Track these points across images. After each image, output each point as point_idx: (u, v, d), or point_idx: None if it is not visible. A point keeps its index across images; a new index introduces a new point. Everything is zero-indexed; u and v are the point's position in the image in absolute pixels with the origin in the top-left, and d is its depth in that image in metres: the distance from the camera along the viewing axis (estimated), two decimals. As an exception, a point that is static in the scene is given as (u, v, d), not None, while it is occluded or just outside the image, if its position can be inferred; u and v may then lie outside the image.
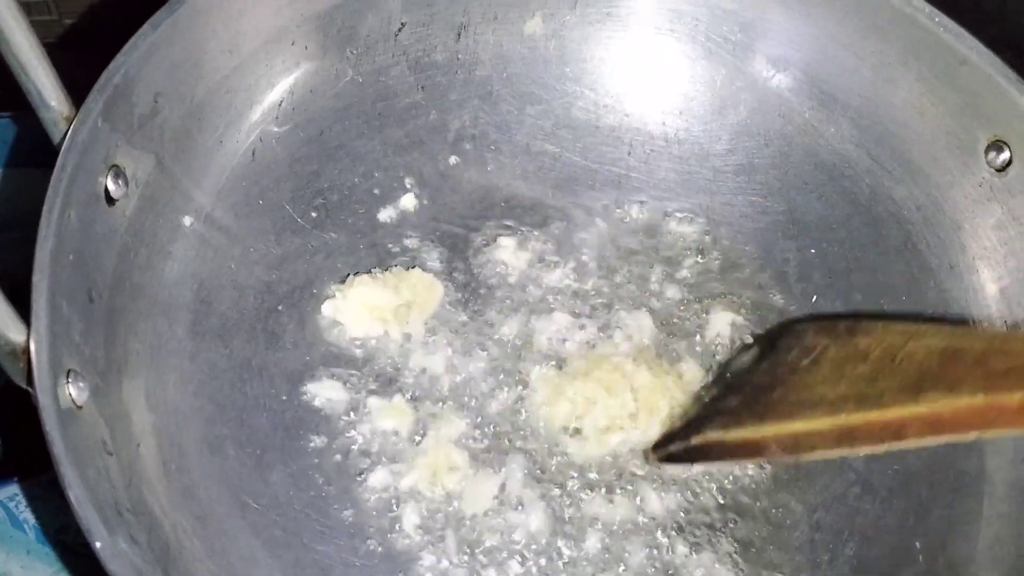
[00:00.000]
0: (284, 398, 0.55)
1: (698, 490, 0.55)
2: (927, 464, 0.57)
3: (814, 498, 0.56)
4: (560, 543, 0.53)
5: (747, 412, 0.52)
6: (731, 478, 0.56)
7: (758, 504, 0.55)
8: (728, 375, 0.57)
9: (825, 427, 0.48)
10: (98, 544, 0.39)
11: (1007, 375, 0.44)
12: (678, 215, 0.64)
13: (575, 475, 0.55)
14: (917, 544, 0.55)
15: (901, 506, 0.56)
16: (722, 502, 0.55)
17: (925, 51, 0.61)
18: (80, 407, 0.45)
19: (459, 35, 0.65)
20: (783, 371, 0.53)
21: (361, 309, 0.57)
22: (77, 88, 0.51)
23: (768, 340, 0.58)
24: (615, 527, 0.53)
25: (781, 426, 0.50)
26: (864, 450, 0.50)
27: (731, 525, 0.54)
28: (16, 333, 0.43)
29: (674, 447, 0.53)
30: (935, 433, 0.45)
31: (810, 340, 0.54)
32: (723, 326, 0.60)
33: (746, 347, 0.59)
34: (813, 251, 0.63)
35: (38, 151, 0.51)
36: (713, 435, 0.52)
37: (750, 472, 0.56)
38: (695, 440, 0.52)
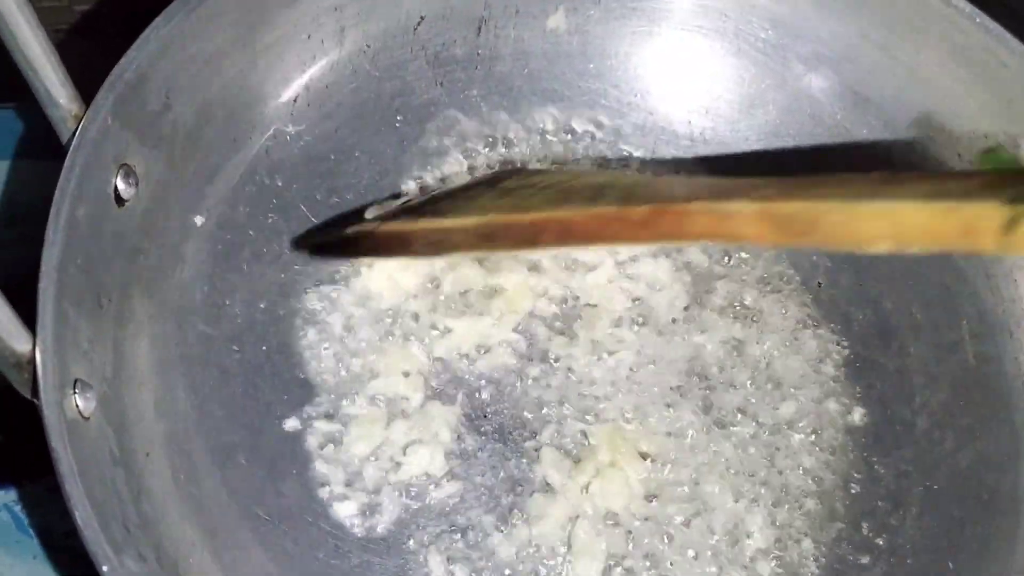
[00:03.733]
0: (297, 404, 0.54)
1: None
2: (959, 482, 0.56)
3: (840, 515, 0.55)
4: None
5: (406, 214, 0.54)
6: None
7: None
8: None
9: (469, 225, 0.49)
10: (104, 568, 0.38)
11: (640, 198, 0.45)
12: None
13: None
14: (950, 564, 0.53)
15: (933, 524, 0.55)
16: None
17: (964, 53, 0.59)
18: (87, 418, 0.44)
19: (479, 29, 0.64)
20: (460, 190, 0.56)
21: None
22: (87, 79, 0.49)
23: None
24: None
25: (430, 222, 0.51)
26: (506, 251, 0.53)
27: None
28: (21, 343, 0.41)
29: (326, 237, 0.55)
30: (566, 240, 0.47)
31: (500, 172, 0.57)
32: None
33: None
34: (842, 257, 0.62)
35: (47, 142, 0.50)
36: (365, 227, 0.53)
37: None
38: (348, 231, 0.53)
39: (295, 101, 0.60)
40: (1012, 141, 0.58)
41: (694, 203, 0.42)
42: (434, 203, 0.54)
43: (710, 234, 0.43)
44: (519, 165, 0.61)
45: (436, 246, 0.50)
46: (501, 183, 0.54)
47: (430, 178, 0.61)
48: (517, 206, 0.49)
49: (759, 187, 0.43)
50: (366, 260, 0.57)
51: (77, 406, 0.43)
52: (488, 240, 0.48)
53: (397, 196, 0.59)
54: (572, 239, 0.46)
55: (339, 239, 0.54)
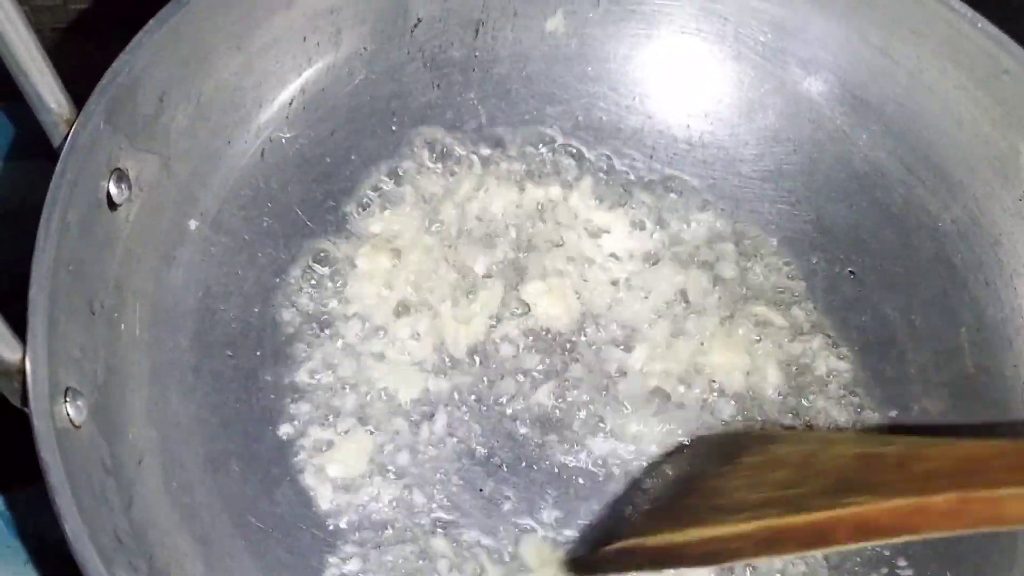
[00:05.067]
0: (292, 411, 0.53)
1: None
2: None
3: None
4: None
5: (664, 518, 0.50)
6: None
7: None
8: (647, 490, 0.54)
9: (748, 531, 0.46)
10: (94, 582, 0.37)
11: (928, 478, 0.43)
12: (702, 222, 0.62)
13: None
14: (948, 574, 0.53)
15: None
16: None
17: (965, 57, 0.58)
18: (78, 426, 0.43)
19: (477, 32, 0.63)
20: (698, 480, 0.51)
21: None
22: (84, 78, 0.48)
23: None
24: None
25: (701, 531, 0.47)
26: (791, 555, 0.49)
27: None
28: (10, 351, 0.41)
29: (588, 558, 0.51)
30: (864, 537, 0.44)
31: (727, 450, 0.53)
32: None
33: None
34: (842, 262, 0.61)
35: (40, 142, 0.49)
36: (630, 542, 0.49)
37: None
38: (610, 548, 0.50)
39: (290, 104, 0.59)
40: (1012, 148, 0.58)
41: (1005, 489, 0.40)
42: (683, 501, 0.51)
43: None
44: (747, 429, 0.56)
45: (713, 556, 0.47)
46: (740, 460, 0.51)
47: (426, 182, 0.61)
48: (789, 502, 0.46)
49: None
50: (369, 270, 0.57)
51: (68, 415, 0.43)
52: (770, 545, 0.45)
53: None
54: (870, 535, 0.44)
55: (602, 556, 0.50)
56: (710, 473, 0.51)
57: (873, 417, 0.57)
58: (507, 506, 0.53)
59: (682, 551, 0.47)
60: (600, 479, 0.54)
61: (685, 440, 0.55)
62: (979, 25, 0.57)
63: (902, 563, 0.53)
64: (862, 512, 0.43)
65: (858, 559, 0.54)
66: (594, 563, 0.50)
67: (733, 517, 0.47)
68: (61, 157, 0.46)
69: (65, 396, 0.43)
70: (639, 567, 0.50)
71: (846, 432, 0.55)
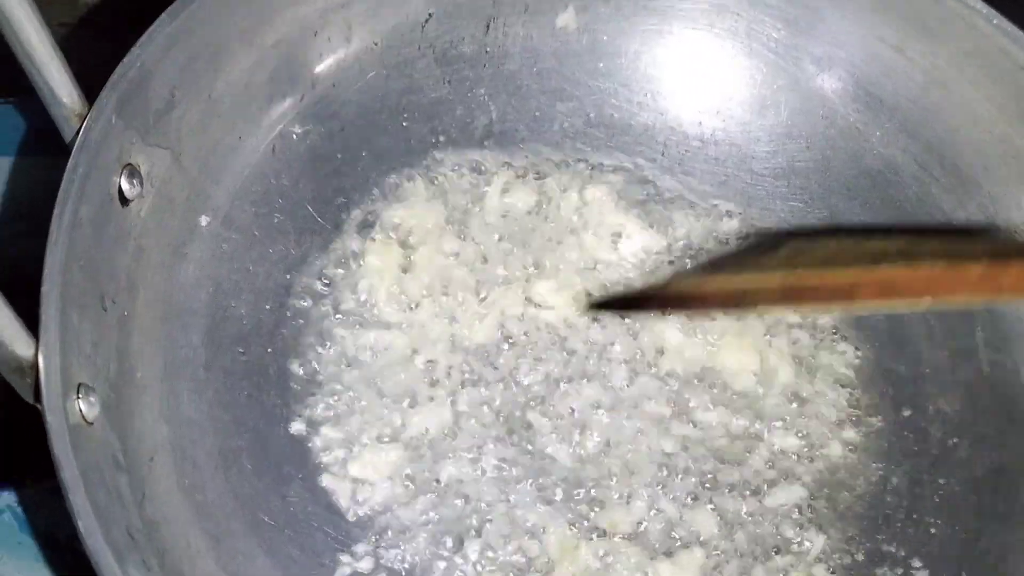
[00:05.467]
0: (304, 408, 0.53)
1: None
2: (974, 491, 0.55)
3: (855, 523, 0.54)
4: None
5: (693, 274, 0.53)
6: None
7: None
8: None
9: (771, 283, 0.47)
10: (108, 578, 0.37)
11: (967, 254, 0.44)
12: (713, 220, 0.62)
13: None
14: (964, 575, 0.53)
15: (947, 534, 0.54)
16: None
17: (981, 55, 0.58)
18: (91, 423, 0.43)
19: (488, 27, 0.63)
20: (740, 255, 0.54)
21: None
22: (94, 73, 0.48)
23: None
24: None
25: (726, 280, 0.49)
26: (810, 307, 0.51)
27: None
28: (24, 348, 0.41)
29: (615, 294, 0.53)
30: (890, 294, 0.44)
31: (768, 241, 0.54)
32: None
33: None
34: (855, 261, 0.61)
35: (52, 138, 0.49)
36: (654, 287, 0.52)
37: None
38: (641, 289, 0.52)
39: (301, 99, 0.59)
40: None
41: None
42: (721, 264, 0.53)
43: None
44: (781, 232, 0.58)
45: (734, 302, 0.48)
46: (784, 244, 0.52)
47: (438, 178, 0.61)
48: (821, 265, 0.47)
49: None
50: (381, 266, 0.57)
51: (80, 411, 0.42)
52: (795, 296, 0.46)
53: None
54: (894, 294, 0.44)
55: (631, 295, 0.52)
56: (751, 253, 0.54)
57: (888, 416, 0.57)
58: (525, 508, 0.52)
59: (702, 296, 0.49)
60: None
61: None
62: (995, 22, 0.57)
63: (917, 564, 0.53)
64: (891, 272, 0.44)
65: (870, 559, 0.53)
66: (613, 301, 0.52)
67: (760, 271, 0.48)
68: (73, 152, 0.46)
69: (78, 392, 0.43)
70: (664, 306, 0.51)
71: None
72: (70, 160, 0.45)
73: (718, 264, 0.53)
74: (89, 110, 0.47)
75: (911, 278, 0.43)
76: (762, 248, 0.54)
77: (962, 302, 0.44)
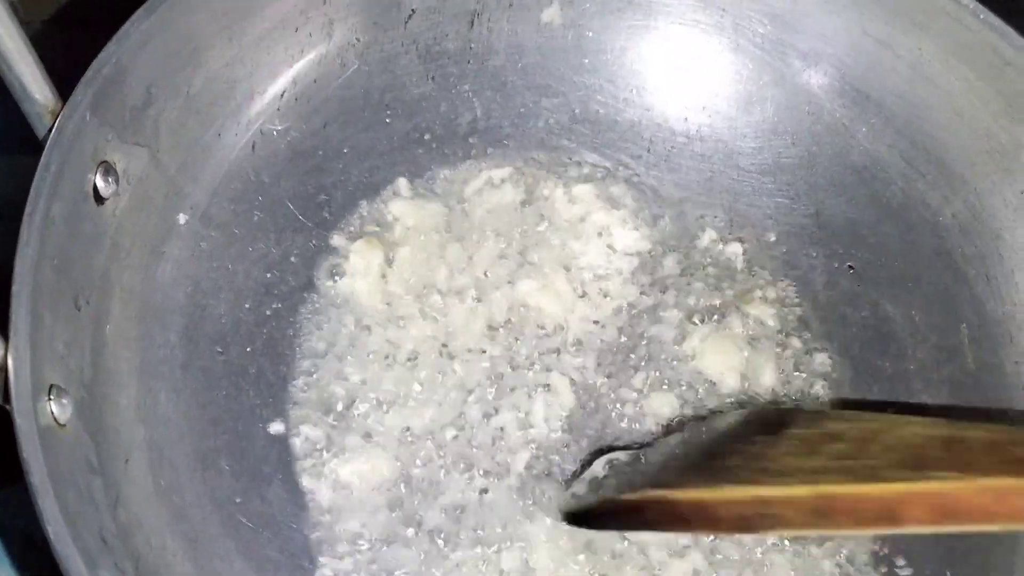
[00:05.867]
0: (283, 408, 0.53)
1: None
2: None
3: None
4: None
5: (694, 473, 0.42)
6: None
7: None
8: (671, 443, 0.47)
9: (802, 495, 0.38)
10: (78, 584, 0.36)
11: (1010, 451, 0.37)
12: (699, 216, 0.61)
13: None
14: (948, 573, 0.52)
15: (930, 533, 0.53)
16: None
17: (967, 50, 0.57)
18: (63, 425, 0.42)
19: (472, 23, 0.62)
20: (739, 441, 0.44)
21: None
22: (70, 69, 0.48)
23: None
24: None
25: (744, 489, 0.39)
26: (846, 532, 0.42)
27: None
28: (-8, 349, 0.40)
29: (591, 508, 0.43)
30: (946, 519, 0.36)
31: (771, 418, 0.46)
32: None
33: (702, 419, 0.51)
34: (841, 257, 0.61)
35: (26, 136, 0.48)
36: (649, 493, 0.41)
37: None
38: (627, 496, 0.42)
39: (282, 96, 0.58)
40: (1014, 141, 0.57)
41: None
42: (720, 461, 0.42)
43: None
44: (793, 405, 0.49)
45: (755, 522, 0.39)
46: (788, 430, 0.43)
47: (421, 176, 0.60)
48: (853, 471, 0.38)
49: None
50: (363, 265, 0.56)
51: (52, 413, 0.42)
52: (826, 516, 0.37)
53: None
54: (953, 518, 0.36)
55: (614, 504, 0.42)
56: (751, 439, 0.44)
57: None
58: (508, 508, 0.52)
59: (715, 511, 0.39)
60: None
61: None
62: (981, 16, 0.56)
63: (901, 562, 0.53)
64: (947, 488, 0.36)
65: (854, 558, 0.53)
66: (598, 514, 0.43)
67: (783, 480, 0.39)
68: (46, 149, 0.45)
69: (49, 394, 0.42)
70: (660, 525, 0.42)
71: (915, 417, 0.48)
72: (43, 158, 0.45)
73: (715, 457, 0.43)
74: (63, 107, 0.46)
75: (971, 497, 0.36)
76: (764, 425, 0.44)
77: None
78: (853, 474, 0.38)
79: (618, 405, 0.55)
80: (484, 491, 0.52)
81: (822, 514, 0.38)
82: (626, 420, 0.55)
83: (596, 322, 0.58)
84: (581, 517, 0.43)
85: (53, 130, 0.46)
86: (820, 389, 0.57)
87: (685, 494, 0.40)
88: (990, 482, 0.36)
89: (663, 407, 0.55)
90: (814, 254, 0.61)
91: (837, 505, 0.37)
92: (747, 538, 0.49)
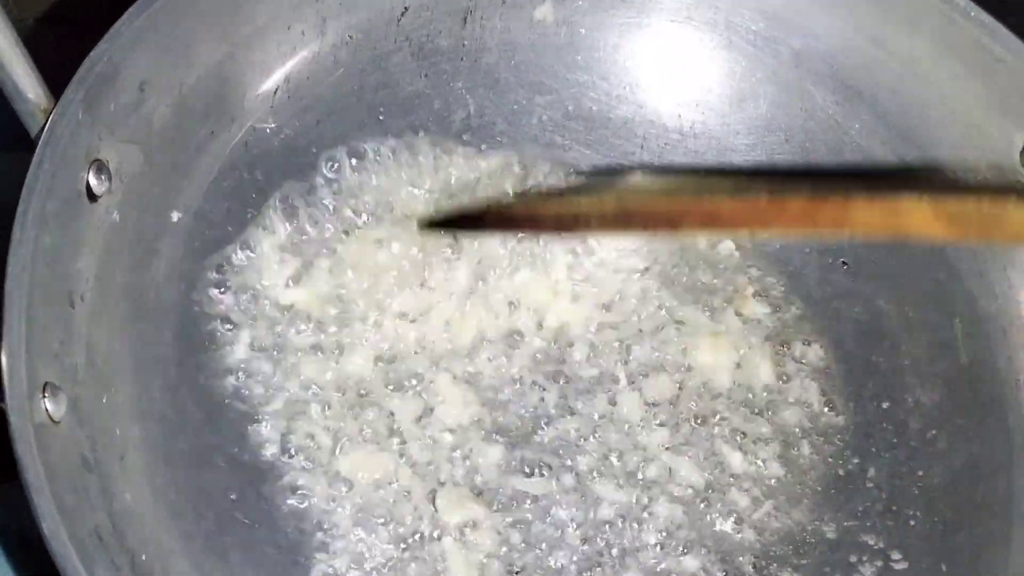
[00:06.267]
0: (278, 404, 0.53)
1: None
2: (952, 484, 0.55)
3: (832, 515, 0.54)
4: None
5: (536, 197, 0.54)
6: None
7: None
8: None
9: (607, 206, 0.48)
10: (74, 583, 0.36)
11: (790, 191, 0.45)
12: (693, 213, 0.62)
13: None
14: (943, 567, 0.53)
15: (926, 527, 0.54)
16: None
17: (958, 46, 0.57)
18: (57, 422, 0.42)
19: (465, 20, 0.62)
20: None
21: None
22: (63, 67, 0.47)
23: None
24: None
25: (563, 203, 0.50)
26: (638, 232, 0.53)
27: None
28: (-15, 346, 0.40)
29: (456, 212, 0.54)
30: (711, 224, 0.47)
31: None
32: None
33: None
34: (835, 253, 0.61)
35: (19, 133, 0.48)
36: (493, 206, 0.53)
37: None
38: (479, 206, 0.53)
39: (275, 93, 0.58)
40: (1006, 137, 0.57)
41: (858, 196, 0.43)
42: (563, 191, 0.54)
43: (874, 225, 0.43)
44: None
45: (568, 224, 0.49)
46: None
47: (413, 173, 0.60)
48: (658, 193, 0.50)
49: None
50: (357, 262, 0.56)
51: (46, 410, 0.42)
52: (624, 222, 0.48)
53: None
54: (718, 224, 0.47)
55: (470, 213, 0.53)
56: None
57: (866, 408, 0.57)
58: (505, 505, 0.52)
59: (541, 214, 0.50)
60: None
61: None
62: (972, 14, 0.56)
63: (896, 556, 0.53)
64: (714, 202, 0.46)
65: (849, 552, 0.53)
66: (460, 219, 0.53)
67: (599, 197, 0.49)
68: (38, 148, 0.45)
69: (44, 391, 0.42)
70: (500, 225, 0.53)
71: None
72: (35, 156, 0.44)
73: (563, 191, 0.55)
74: (55, 105, 0.46)
75: (733, 209, 0.45)
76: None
77: (785, 233, 0.47)
78: (652, 195, 0.50)
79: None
80: (483, 484, 0.52)
81: (622, 219, 0.48)
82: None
83: (587, 318, 0.58)
84: (439, 222, 0.55)
85: (45, 128, 0.45)
86: (814, 385, 0.57)
87: (515, 207, 0.53)
88: (749, 200, 0.45)
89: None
90: (807, 250, 0.61)
91: (631, 214, 0.47)
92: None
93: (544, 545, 0.52)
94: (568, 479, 0.53)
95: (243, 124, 0.57)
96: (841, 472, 0.55)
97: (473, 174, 0.60)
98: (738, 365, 0.57)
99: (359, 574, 0.50)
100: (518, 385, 0.56)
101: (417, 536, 0.51)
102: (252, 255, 0.55)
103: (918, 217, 0.43)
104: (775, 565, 0.53)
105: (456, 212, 0.54)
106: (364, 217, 0.58)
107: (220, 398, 0.52)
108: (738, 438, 0.56)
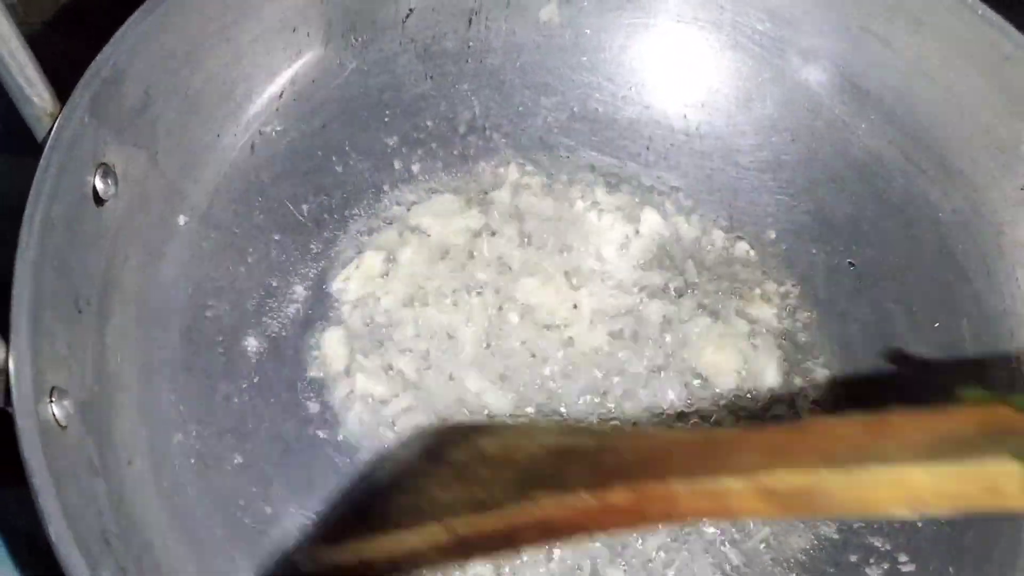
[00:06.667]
0: (285, 409, 0.53)
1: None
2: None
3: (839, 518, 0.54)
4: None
5: (365, 524, 0.47)
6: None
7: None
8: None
9: (438, 539, 0.43)
10: (80, 585, 0.36)
11: (613, 472, 0.41)
12: (699, 214, 0.61)
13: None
14: (951, 570, 0.52)
15: (933, 529, 0.53)
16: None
17: (966, 45, 0.57)
18: (64, 427, 0.42)
19: (470, 22, 0.62)
20: (409, 479, 0.49)
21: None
22: (68, 72, 0.47)
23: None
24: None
25: (391, 540, 0.44)
26: (479, 560, 0.46)
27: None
28: (-7, 351, 0.40)
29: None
30: (548, 536, 0.42)
31: (438, 441, 0.50)
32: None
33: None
34: (842, 254, 0.61)
35: (26, 137, 0.48)
36: (326, 554, 0.47)
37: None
38: (309, 559, 0.48)
39: (280, 96, 0.58)
40: (1014, 136, 0.57)
41: (676, 483, 0.38)
42: (385, 505, 0.48)
43: (703, 514, 0.40)
44: (455, 423, 0.53)
45: (404, 565, 0.44)
46: (448, 457, 0.49)
47: (419, 173, 0.60)
48: (482, 503, 0.43)
49: (746, 452, 0.39)
50: (363, 265, 0.56)
51: (54, 415, 0.42)
52: (462, 552, 0.43)
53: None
54: (556, 535, 0.42)
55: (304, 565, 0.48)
56: (419, 472, 0.49)
57: (876, 410, 0.57)
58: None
59: (372, 562, 0.45)
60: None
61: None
62: (980, 12, 0.56)
63: (903, 559, 0.53)
64: (546, 511, 0.41)
65: (856, 554, 0.53)
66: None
67: (425, 524, 0.44)
68: (44, 152, 0.45)
69: (51, 396, 0.42)
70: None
71: (557, 424, 0.53)
72: (42, 160, 0.45)
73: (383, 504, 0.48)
74: (61, 109, 0.46)
75: (564, 515, 0.40)
76: (427, 459, 0.50)
77: (627, 532, 0.42)
78: (477, 504, 0.43)
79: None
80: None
81: (459, 550, 0.42)
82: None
83: (591, 321, 0.58)
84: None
85: (52, 133, 0.46)
86: (821, 387, 0.57)
87: (348, 554, 0.46)
88: (576, 500, 0.40)
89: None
90: (814, 251, 0.61)
91: (467, 540, 0.42)
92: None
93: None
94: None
95: (249, 127, 0.57)
96: (849, 474, 0.55)
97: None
98: (744, 367, 0.57)
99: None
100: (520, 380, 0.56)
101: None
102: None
103: (745, 500, 0.37)
104: (780, 568, 0.52)
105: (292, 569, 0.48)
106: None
107: (226, 403, 0.52)
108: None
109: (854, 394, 0.57)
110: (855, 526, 0.54)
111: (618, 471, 0.41)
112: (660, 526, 0.42)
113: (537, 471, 0.44)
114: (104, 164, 0.48)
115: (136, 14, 0.50)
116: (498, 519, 0.41)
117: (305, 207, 0.58)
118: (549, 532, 0.41)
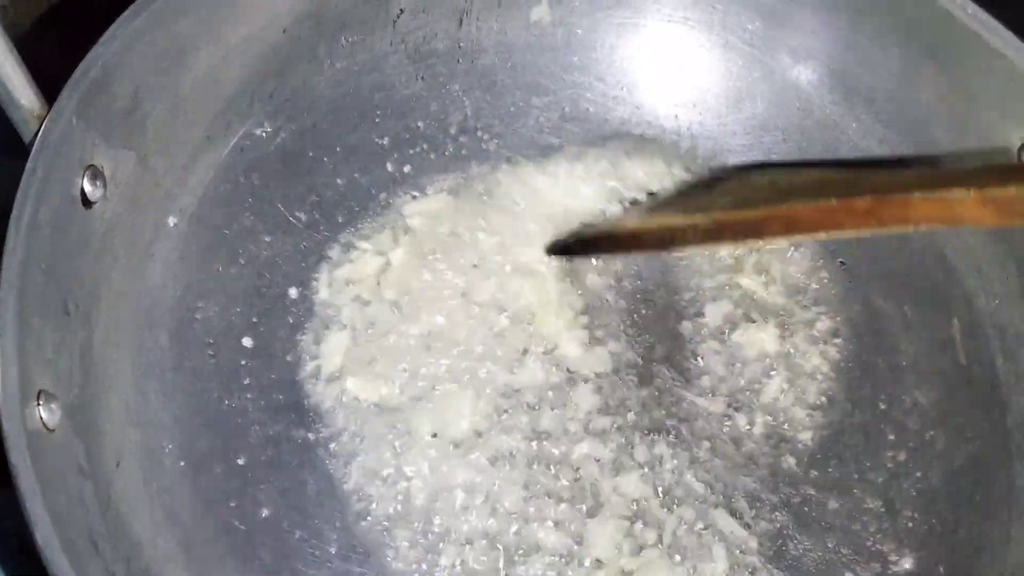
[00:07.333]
0: (274, 411, 0.52)
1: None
2: (952, 483, 0.55)
3: (832, 517, 0.54)
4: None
5: (635, 214, 0.58)
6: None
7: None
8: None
9: (699, 223, 0.53)
10: (66, 590, 0.36)
11: (860, 188, 0.49)
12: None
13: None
14: (942, 568, 0.52)
15: (925, 526, 0.54)
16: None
17: (956, 45, 0.57)
18: (52, 429, 0.42)
19: (461, 22, 0.62)
20: (681, 194, 0.60)
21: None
22: (56, 74, 0.47)
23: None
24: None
25: (663, 219, 0.56)
26: (728, 245, 0.58)
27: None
28: (-20, 354, 0.40)
29: (566, 240, 0.58)
30: (791, 230, 0.50)
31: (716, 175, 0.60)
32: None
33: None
34: (832, 254, 0.60)
35: (12, 139, 0.48)
36: (602, 229, 0.58)
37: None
38: (585, 234, 0.58)
39: (270, 97, 0.58)
40: (1004, 136, 0.57)
41: (916, 193, 0.47)
42: (662, 204, 0.59)
43: (932, 219, 0.47)
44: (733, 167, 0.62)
45: (668, 242, 0.55)
46: (720, 185, 0.59)
47: (410, 174, 0.60)
48: (741, 203, 0.54)
49: (977, 175, 0.48)
50: (355, 265, 0.57)
51: (41, 418, 0.42)
52: (716, 235, 0.52)
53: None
54: (797, 229, 0.50)
55: (580, 238, 0.58)
56: (690, 191, 0.60)
57: (865, 409, 0.57)
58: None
59: (644, 235, 0.56)
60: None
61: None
62: (969, 11, 0.56)
63: (894, 557, 0.53)
64: (792, 210, 0.50)
65: (851, 553, 0.53)
66: (569, 245, 0.58)
67: (688, 213, 0.55)
68: (32, 154, 0.45)
69: (38, 399, 0.42)
70: (610, 248, 0.58)
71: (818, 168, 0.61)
72: (28, 163, 0.44)
73: (659, 206, 0.59)
74: (49, 111, 0.46)
75: (808, 214, 0.49)
76: (700, 185, 0.60)
77: (856, 234, 0.49)
78: (735, 207, 0.54)
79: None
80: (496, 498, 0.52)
81: (714, 233, 0.52)
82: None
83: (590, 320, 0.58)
84: (558, 247, 0.58)
85: (39, 135, 0.45)
86: (812, 385, 0.57)
87: (621, 228, 0.58)
88: (820, 203, 0.49)
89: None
90: (803, 250, 0.61)
91: (719, 227, 0.52)
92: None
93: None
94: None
95: (239, 128, 0.57)
96: (839, 473, 0.55)
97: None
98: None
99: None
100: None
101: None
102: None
103: (970, 207, 0.45)
104: (773, 565, 0.52)
105: (571, 237, 0.58)
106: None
107: (216, 404, 0.52)
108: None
109: (844, 391, 0.57)
110: (851, 527, 0.54)
111: (866, 189, 0.49)
112: (891, 228, 0.48)
113: (796, 190, 0.54)
114: (92, 166, 0.48)
115: (125, 14, 0.50)
116: (754, 212, 0.51)
117: (296, 208, 0.58)
118: (792, 226, 0.50)
